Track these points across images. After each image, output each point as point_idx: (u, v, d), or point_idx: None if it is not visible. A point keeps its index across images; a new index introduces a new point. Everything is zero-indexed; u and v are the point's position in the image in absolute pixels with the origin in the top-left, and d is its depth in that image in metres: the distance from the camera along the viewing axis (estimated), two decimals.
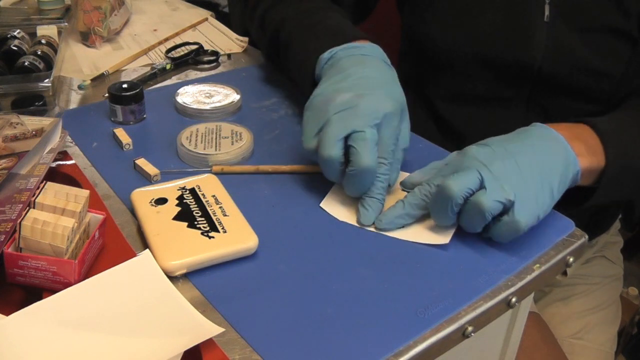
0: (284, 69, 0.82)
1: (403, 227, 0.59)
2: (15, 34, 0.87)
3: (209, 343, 0.46)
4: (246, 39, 1.00)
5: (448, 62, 0.84)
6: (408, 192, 0.61)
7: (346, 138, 0.58)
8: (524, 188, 0.55)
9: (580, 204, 0.66)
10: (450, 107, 0.87)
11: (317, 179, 0.65)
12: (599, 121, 0.65)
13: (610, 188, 0.64)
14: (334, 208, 0.61)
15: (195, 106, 0.77)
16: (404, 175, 0.65)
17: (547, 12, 0.77)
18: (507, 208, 0.55)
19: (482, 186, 0.54)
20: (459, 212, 0.56)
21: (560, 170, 0.58)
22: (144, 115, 0.76)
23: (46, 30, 0.92)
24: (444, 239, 0.57)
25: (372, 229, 0.59)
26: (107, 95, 0.75)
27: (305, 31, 0.75)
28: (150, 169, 0.65)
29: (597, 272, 0.98)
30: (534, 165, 0.56)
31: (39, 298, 0.48)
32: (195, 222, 0.56)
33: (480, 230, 0.57)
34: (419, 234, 0.58)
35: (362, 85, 0.61)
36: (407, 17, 0.92)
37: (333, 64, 0.66)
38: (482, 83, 0.83)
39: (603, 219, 0.97)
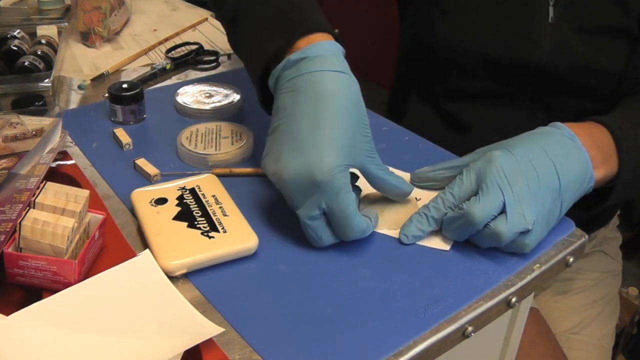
0: (234, 47, 0.70)
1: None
2: (15, 34, 0.87)
3: (209, 343, 0.46)
4: None
5: (452, 61, 0.85)
6: (419, 185, 0.63)
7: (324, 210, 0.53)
8: (540, 213, 0.55)
9: (589, 207, 0.65)
10: (455, 103, 0.88)
11: None
12: (615, 123, 0.65)
13: (622, 192, 0.65)
14: None
15: (195, 106, 0.77)
16: (400, 173, 0.65)
17: (551, 14, 0.77)
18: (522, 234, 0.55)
19: (503, 210, 0.54)
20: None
21: (575, 186, 0.58)
22: (144, 115, 0.76)
23: (46, 30, 0.92)
24: (445, 245, 0.57)
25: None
26: (107, 95, 0.75)
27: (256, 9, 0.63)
28: (150, 169, 0.65)
29: (596, 267, 0.99)
30: (553, 181, 0.56)
31: (39, 298, 0.48)
32: (195, 222, 0.56)
33: None
34: None
35: (309, 143, 0.53)
36: (411, 17, 0.92)
37: (280, 98, 0.56)
38: (486, 81, 0.83)
39: (601, 213, 0.97)
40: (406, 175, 0.66)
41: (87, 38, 0.98)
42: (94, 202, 0.59)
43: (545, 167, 0.56)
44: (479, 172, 0.56)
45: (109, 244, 0.55)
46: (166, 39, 1.02)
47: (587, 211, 0.64)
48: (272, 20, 0.61)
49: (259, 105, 0.64)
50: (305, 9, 0.61)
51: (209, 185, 0.61)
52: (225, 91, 0.81)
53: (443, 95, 0.89)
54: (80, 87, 0.85)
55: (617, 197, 0.65)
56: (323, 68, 0.55)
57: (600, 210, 0.67)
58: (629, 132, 0.65)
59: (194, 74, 0.91)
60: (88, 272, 0.52)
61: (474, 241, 0.57)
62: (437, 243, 0.57)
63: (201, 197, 0.59)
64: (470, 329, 0.50)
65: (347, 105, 0.54)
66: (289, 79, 0.56)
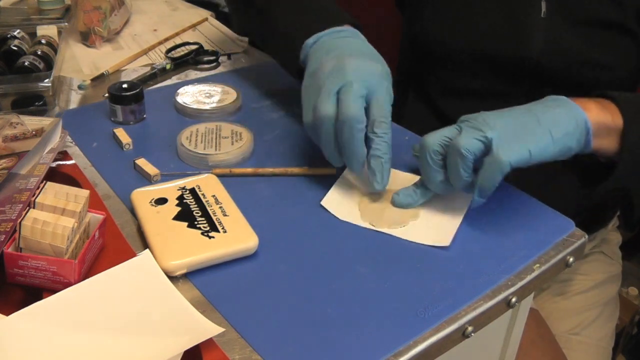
0: (260, 39, 0.83)
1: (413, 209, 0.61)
2: (15, 34, 0.87)
3: (209, 343, 0.46)
4: (246, 39, 1.00)
5: (446, 58, 0.85)
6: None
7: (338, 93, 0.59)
8: (505, 126, 0.56)
9: (594, 183, 0.65)
10: (450, 102, 0.88)
11: (318, 180, 0.65)
12: (621, 97, 0.63)
13: (629, 165, 0.62)
14: (335, 206, 0.61)
15: (195, 106, 0.77)
16: (397, 173, 0.66)
17: (543, 8, 0.77)
18: (488, 147, 0.55)
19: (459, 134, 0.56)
20: (445, 165, 0.58)
21: (564, 121, 0.57)
22: (144, 115, 0.76)
23: (46, 30, 0.92)
24: (444, 240, 0.57)
25: (372, 227, 0.59)
26: (107, 95, 0.75)
27: (288, 5, 0.74)
28: (150, 169, 0.65)
29: (595, 268, 0.98)
30: (529, 115, 0.57)
31: (39, 298, 0.48)
32: (195, 222, 0.56)
33: (469, 179, 0.57)
34: (420, 234, 0.58)
35: (347, 52, 0.63)
36: (406, 14, 0.92)
37: (317, 47, 0.66)
38: (480, 78, 0.83)
39: (601, 214, 0.97)
40: (406, 176, 0.66)
41: (87, 38, 0.98)
42: (94, 202, 0.59)
43: (520, 109, 0.58)
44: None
45: (109, 244, 0.55)
46: (166, 39, 1.02)
47: (591, 188, 0.63)
48: (306, 13, 0.71)
49: (258, 104, 0.64)
50: (333, 7, 0.72)
51: (209, 185, 0.61)
52: (225, 91, 0.81)
53: (438, 93, 0.89)
54: (80, 87, 0.85)
55: (623, 170, 0.62)
56: (360, 39, 0.67)
57: (605, 189, 0.64)
58: (628, 96, 0.63)
59: (194, 74, 0.91)
60: (88, 272, 0.52)
61: (454, 181, 0.57)
62: (436, 239, 0.57)
63: (201, 197, 0.59)
64: (470, 329, 0.50)
65: (377, 69, 0.62)
66: (329, 40, 0.66)
